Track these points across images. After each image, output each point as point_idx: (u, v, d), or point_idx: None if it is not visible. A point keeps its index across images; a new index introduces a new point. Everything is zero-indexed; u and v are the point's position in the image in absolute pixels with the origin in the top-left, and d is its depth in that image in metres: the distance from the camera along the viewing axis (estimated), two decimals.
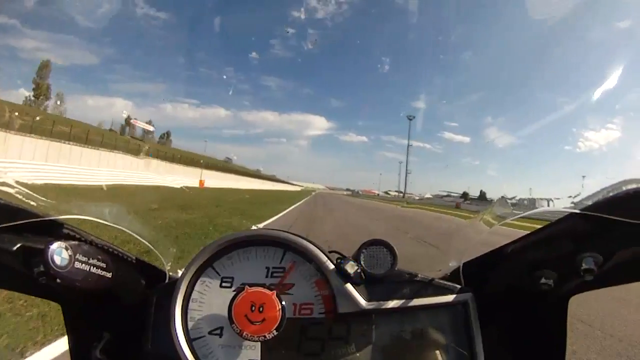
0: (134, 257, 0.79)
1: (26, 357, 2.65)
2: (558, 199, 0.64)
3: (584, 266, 0.57)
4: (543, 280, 0.63)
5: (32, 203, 0.63)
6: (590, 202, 0.57)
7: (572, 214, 0.60)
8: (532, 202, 0.69)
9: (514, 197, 0.76)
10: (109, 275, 0.67)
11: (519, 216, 0.68)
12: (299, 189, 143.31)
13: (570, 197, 0.62)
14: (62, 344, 2.82)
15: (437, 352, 0.73)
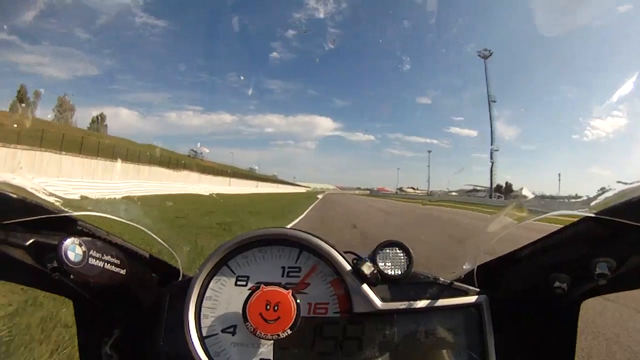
0: (148, 255, 0.79)
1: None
2: (574, 199, 0.62)
3: (598, 271, 0.57)
4: (557, 284, 0.63)
5: (47, 199, 0.63)
6: (605, 206, 0.57)
7: (587, 217, 0.60)
8: (551, 202, 0.68)
9: (530, 198, 0.74)
10: (122, 272, 0.67)
11: (534, 219, 0.68)
12: (303, 190, 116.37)
13: (583, 197, 0.62)
14: None
15: (451, 353, 0.73)
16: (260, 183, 79.82)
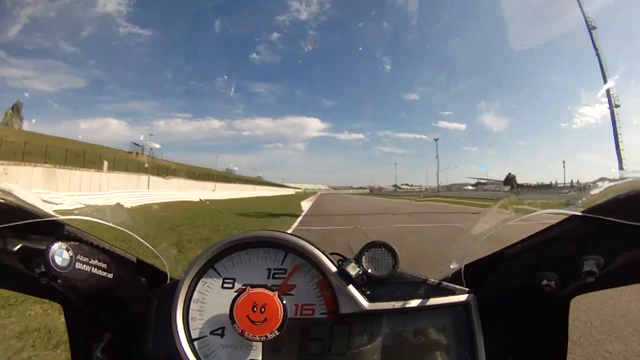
0: (135, 259, 0.79)
1: None
2: (565, 192, 0.62)
3: (586, 268, 0.57)
4: (545, 282, 0.63)
5: (34, 204, 0.63)
6: (592, 204, 0.58)
7: (574, 215, 0.60)
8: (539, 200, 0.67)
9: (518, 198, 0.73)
10: (110, 275, 0.67)
11: (520, 219, 0.68)
12: (291, 192, 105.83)
13: (567, 194, 0.62)
14: None
15: (439, 353, 0.73)
16: (223, 184, 60.03)
